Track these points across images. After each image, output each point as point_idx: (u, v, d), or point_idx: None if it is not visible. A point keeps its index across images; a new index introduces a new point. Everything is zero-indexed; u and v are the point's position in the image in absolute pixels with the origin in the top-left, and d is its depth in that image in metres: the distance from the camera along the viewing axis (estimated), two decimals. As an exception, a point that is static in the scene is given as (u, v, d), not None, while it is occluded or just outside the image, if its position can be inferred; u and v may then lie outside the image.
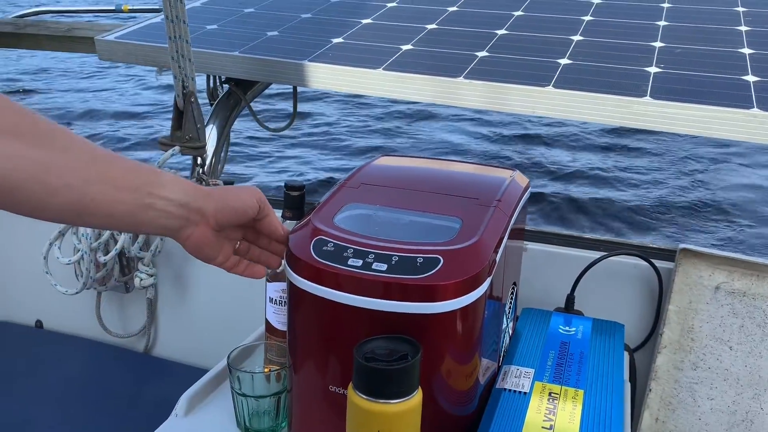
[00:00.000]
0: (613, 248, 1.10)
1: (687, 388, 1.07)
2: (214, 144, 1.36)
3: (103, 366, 1.39)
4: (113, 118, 6.20)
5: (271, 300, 0.91)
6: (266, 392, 0.82)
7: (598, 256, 1.06)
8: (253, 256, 0.76)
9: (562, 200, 4.44)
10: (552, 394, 0.79)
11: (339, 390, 0.71)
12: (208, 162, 1.36)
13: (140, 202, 0.61)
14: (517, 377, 0.82)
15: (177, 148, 1.22)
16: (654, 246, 1.12)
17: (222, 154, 1.44)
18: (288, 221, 0.89)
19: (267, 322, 0.92)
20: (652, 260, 1.06)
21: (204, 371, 0.94)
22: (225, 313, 1.35)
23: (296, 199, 0.89)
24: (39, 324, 1.53)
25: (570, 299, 1.05)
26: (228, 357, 0.83)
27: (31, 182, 0.54)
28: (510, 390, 0.80)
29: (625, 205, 4.38)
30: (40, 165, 0.54)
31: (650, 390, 1.07)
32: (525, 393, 0.79)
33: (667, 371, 1.07)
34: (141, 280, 1.32)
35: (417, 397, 0.62)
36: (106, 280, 1.36)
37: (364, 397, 0.60)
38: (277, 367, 0.85)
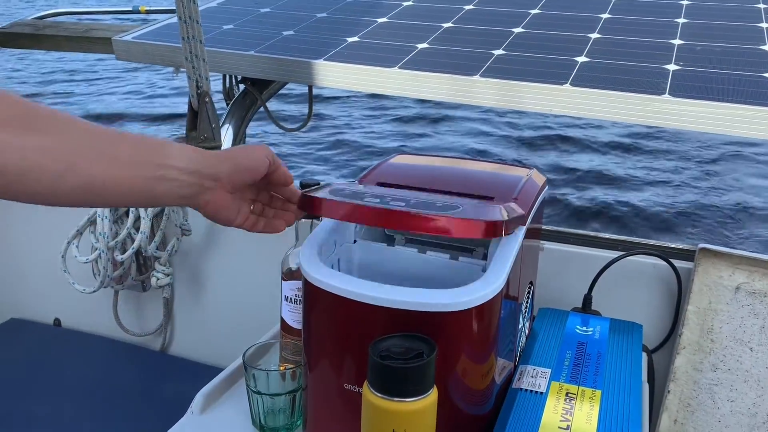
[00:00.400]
0: (631, 248, 1.09)
1: (706, 390, 1.05)
2: (230, 144, 1.36)
3: (120, 364, 1.40)
4: (136, 120, 6.26)
5: (286, 298, 0.91)
6: (281, 390, 0.82)
7: (616, 256, 1.05)
8: (269, 215, 0.78)
9: (579, 200, 4.39)
10: (569, 395, 0.78)
11: (354, 388, 0.71)
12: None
13: (151, 175, 0.61)
14: (534, 377, 0.81)
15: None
16: (673, 246, 1.11)
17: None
18: (303, 220, 0.89)
19: (282, 321, 0.92)
20: (671, 260, 1.05)
21: (219, 370, 0.94)
22: (240, 313, 1.35)
23: (311, 198, 0.89)
24: (57, 322, 1.54)
25: (587, 299, 1.04)
26: (243, 355, 0.83)
27: (36, 171, 0.54)
28: (526, 390, 0.79)
29: (643, 205, 4.31)
30: (41, 152, 0.54)
31: (669, 391, 1.06)
32: (541, 393, 0.78)
33: (686, 372, 1.06)
34: (158, 279, 1.33)
35: (432, 396, 0.62)
36: (123, 279, 1.38)
37: (379, 395, 0.60)
38: (293, 366, 0.84)
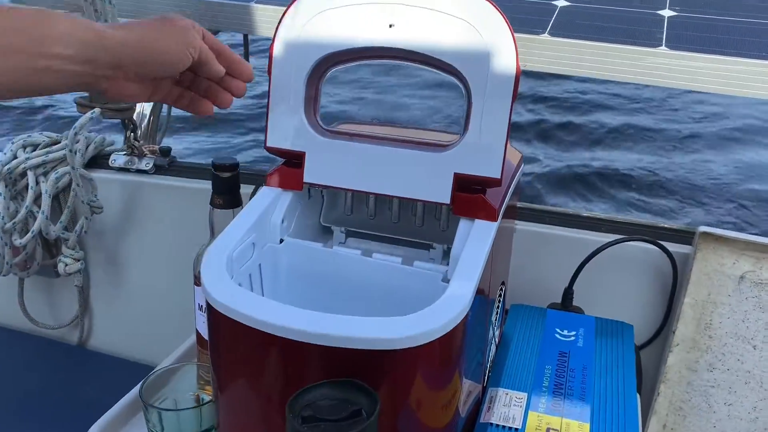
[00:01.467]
0: (618, 229, 0.93)
1: (701, 392, 0.91)
2: (149, 110, 1.15)
3: (32, 361, 1.22)
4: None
5: (200, 308, 0.73)
6: (196, 428, 0.65)
7: (602, 242, 0.89)
8: (200, 89, 0.63)
9: (557, 173, 3.79)
10: (551, 431, 0.62)
11: (276, 441, 0.54)
12: (143, 127, 1.15)
13: (31, 66, 0.50)
14: (507, 405, 0.66)
15: (97, 110, 1.02)
16: (668, 226, 0.95)
17: (162, 119, 1.23)
18: (218, 210, 0.71)
19: (198, 334, 0.75)
20: (666, 245, 0.89)
21: (146, 366, 0.77)
22: (166, 300, 1.16)
23: (227, 182, 0.70)
24: None
25: (567, 294, 0.88)
26: (141, 387, 0.65)
27: None
28: (498, 425, 0.63)
29: (633, 181, 3.72)
30: None
31: (659, 394, 0.92)
32: (517, 430, 0.63)
33: (679, 372, 0.92)
34: (66, 265, 1.13)
35: (374, 468, 0.45)
36: (29, 265, 1.18)
37: (301, 473, 0.43)
38: (210, 396, 0.67)
